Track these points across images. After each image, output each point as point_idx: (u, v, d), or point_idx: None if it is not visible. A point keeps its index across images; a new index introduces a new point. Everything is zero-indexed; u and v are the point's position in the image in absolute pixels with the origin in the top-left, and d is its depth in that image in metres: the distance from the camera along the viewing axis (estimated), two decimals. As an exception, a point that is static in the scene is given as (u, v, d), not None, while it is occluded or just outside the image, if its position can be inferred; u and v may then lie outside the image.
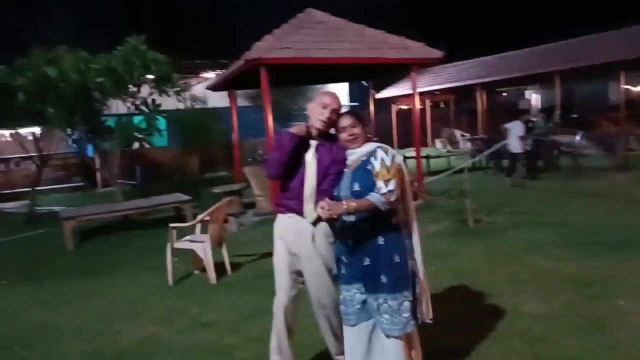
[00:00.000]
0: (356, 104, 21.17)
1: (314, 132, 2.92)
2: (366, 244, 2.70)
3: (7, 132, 13.71)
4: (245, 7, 36.07)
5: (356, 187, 2.69)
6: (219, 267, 5.64)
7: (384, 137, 12.95)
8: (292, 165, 2.91)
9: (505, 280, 4.75)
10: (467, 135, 18.52)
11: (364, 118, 2.90)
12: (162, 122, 11.04)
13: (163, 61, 9.75)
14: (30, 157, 11.87)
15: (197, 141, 17.17)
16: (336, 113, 2.86)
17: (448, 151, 16.52)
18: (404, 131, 20.13)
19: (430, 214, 7.93)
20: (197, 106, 16.37)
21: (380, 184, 2.61)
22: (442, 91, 21.63)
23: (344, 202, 2.58)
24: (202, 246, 5.53)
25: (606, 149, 11.65)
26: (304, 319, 3.27)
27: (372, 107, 12.43)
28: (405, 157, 10.26)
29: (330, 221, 2.76)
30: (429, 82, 21.04)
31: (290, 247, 2.99)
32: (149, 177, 15.87)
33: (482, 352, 3.36)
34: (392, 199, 2.61)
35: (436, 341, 3.36)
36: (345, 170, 2.79)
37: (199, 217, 5.78)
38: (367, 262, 2.70)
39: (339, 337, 3.00)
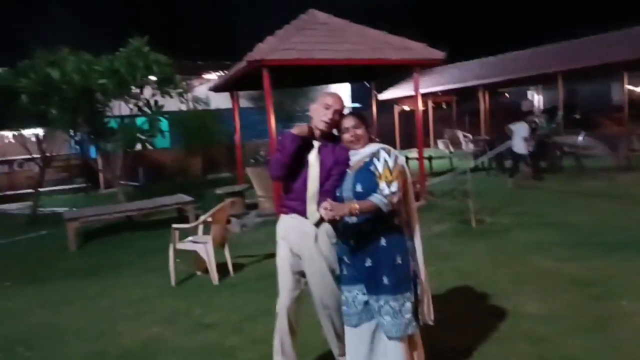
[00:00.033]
0: (358, 105, 21.15)
1: (317, 133, 2.92)
2: (368, 245, 2.70)
3: (10, 134, 13.76)
4: (247, 8, 36.17)
5: (359, 188, 2.68)
6: (222, 268, 5.64)
7: (387, 138, 12.89)
8: (295, 166, 2.91)
9: (508, 281, 4.75)
10: (470, 136, 18.50)
11: (367, 119, 2.89)
12: (164, 124, 11.04)
13: (165, 62, 9.79)
14: (33, 159, 11.89)
15: (200, 142, 17.21)
16: (339, 114, 2.85)
17: (450, 152, 16.49)
18: (406, 132, 20.15)
19: (433, 215, 7.93)
20: (200, 107, 16.41)
21: (383, 185, 2.61)
22: (444, 92, 21.60)
23: (346, 204, 2.58)
24: (204, 247, 5.53)
25: (609, 150, 11.64)
26: (306, 320, 3.27)
27: (374, 108, 12.44)
28: (408, 158, 10.34)
29: (333, 222, 2.76)
30: (431, 83, 21.01)
31: (293, 247, 2.99)
32: (151, 178, 15.92)
33: (484, 353, 3.36)
34: (395, 200, 2.60)
35: (438, 341, 3.35)
36: (348, 171, 2.79)
37: (202, 218, 5.78)
38: (369, 263, 2.70)
39: (341, 338, 2.99)
